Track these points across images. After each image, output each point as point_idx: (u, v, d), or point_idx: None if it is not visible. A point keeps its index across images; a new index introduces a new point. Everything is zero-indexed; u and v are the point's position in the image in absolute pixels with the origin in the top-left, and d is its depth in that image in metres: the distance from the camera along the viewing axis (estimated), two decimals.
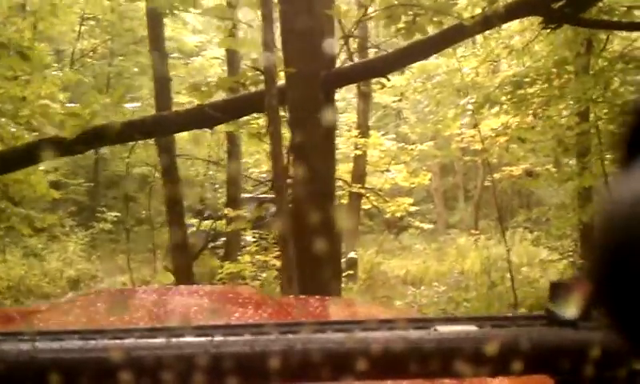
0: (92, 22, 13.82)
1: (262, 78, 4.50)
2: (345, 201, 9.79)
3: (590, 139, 7.23)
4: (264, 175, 9.31)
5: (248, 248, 8.10)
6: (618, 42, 7.30)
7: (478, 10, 5.00)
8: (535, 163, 9.72)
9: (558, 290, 0.62)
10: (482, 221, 14.53)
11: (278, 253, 6.19)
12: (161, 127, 5.78)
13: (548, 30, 5.19)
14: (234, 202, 8.69)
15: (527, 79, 7.32)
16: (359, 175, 10.10)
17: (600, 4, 5.19)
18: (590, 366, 0.55)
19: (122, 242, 11.35)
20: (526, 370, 0.56)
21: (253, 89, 5.19)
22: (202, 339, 0.55)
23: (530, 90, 7.45)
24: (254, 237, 8.18)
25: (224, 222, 8.23)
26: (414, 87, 9.45)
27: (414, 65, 8.35)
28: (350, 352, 0.54)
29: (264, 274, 7.81)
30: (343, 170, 9.84)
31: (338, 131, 7.82)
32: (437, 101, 9.11)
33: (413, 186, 10.12)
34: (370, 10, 5.43)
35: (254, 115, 6.16)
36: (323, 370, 0.54)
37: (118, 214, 12.57)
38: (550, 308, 0.61)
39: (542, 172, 9.38)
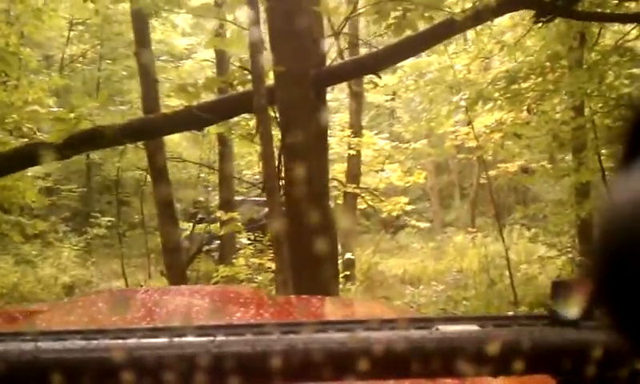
0: (81, 27, 13.74)
1: (250, 77, 4.42)
2: (340, 201, 9.73)
3: (586, 134, 7.16)
4: (256, 177, 9.25)
5: (243, 251, 8.04)
6: (610, 35, 7.25)
7: (469, 5, 4.93)
8: (531, 159, 9.66)
9: (559, 289, 0.62)
10: (479, 218, 14.46)
11: (273, 255, 6.11)
12: (148, 130, 5.70)
13: (540, 24, 5.12)
14: (227, 204, 8.63)
15: (521, 74, 7.26)
16: (354, 175, 10.04)
17: None
18: (591, 365, 0.55)
19: (117, 246, 11.26)
20: (527, 370, 0.56)
21: (241, 89, 5.12)
22: (204, 339, 0.55)
23: (524, 85, 7.38)
24: (248, 239, 8.12)
25: (218, 224, 8.17)
26: (407, 85, 9.38)
27: (405, 63, 8.31)
28: (351, 352, 0.55)
29: (259, 277, 7.75)
30: (337, 170, 9.79)
31: (330, 131, 7.75)
32: (429, 98, 9.04)
33: (408, 184, 10.09)
34: (360, 4, 5.36)
35: (245, 116, 6.09)
36: (325, 370, 0.54)
37: (112, 219, 12.49)
38: (552, 307, 0.61)
39: (537, 168, 9.33)
